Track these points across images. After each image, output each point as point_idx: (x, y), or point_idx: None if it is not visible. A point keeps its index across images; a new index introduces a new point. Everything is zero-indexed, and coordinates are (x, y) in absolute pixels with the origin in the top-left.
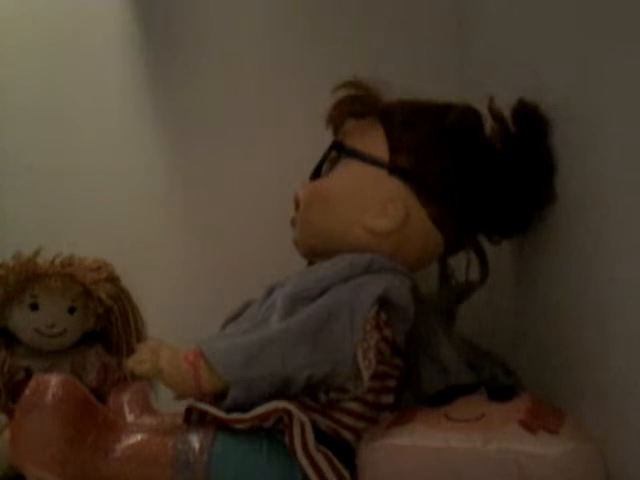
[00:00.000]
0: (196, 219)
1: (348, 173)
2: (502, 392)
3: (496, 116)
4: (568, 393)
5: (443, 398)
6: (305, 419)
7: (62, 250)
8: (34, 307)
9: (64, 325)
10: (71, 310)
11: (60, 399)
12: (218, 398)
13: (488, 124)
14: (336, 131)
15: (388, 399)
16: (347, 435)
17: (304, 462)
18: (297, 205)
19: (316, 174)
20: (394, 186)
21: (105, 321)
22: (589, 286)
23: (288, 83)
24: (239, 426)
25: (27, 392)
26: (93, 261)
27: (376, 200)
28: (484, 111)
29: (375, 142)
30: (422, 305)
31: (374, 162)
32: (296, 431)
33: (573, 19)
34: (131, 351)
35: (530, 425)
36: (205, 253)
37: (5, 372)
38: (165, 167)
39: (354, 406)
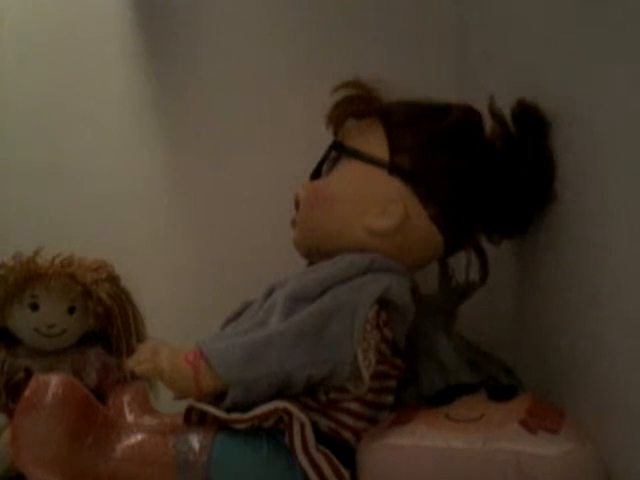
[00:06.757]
0: (196, 219)
1: (348, 173)
2: (502, 392)
3: (496, 116)
4: (568, 393)
5: (443, 398)
6: (305, 419)
7: (62, 250)
8: (34, 307)
9: (64, 325)
10: (71, 310)
11: (60, 399)
12: (218, 398)
13: (488, 124)
14: (336, 131)
15: (388, 399)
16: (347, 435)
17: (304, 462)
18: (297, 205)
19: (316, 174)
20: (394, 186)
21: (105, 321)
22: (589, 286)
23: (288, 83)
24: (239, 426)
25: (27, 392)
26: (93, 261)
27: (376, 200)
28: (484, 111)
29: (375, 142)
30: (422, 305)
31: (374, 162)
32: (296, 431)
33: (573, 19)
34: (131, 351)
35: (530, 425)
36: (205, 253)
37: (5, 372)
38: (165, 167)
39: (354, 406)
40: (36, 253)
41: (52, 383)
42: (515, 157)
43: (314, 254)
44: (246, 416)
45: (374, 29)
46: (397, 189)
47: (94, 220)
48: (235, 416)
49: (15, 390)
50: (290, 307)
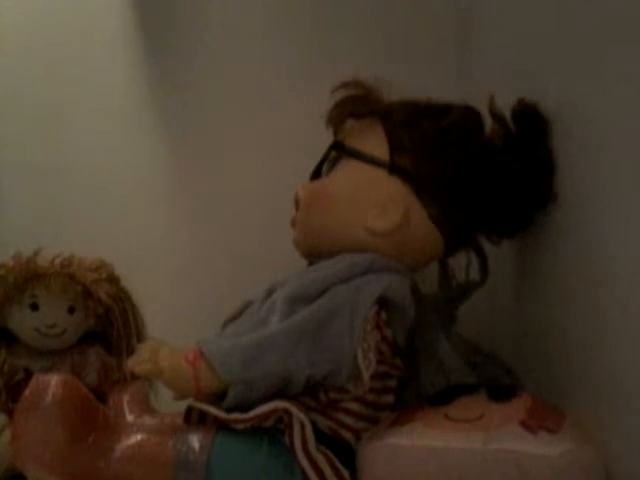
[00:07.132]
0: (196, 219)
1: (348, 173)
2: (502, 392)
3: (496, 116)
4: (568, 393)
5: (443, 398)
6: (305, 419)
7: (62, 250)
8: (34, 307)
9: (64, 325)
10: (71, 310)
11: (60, 399)
12: (218, 398)
13: (488, 124)
14: (336, 131)
15: (388, 399)
16: (347, 435)
17: (304, 462)
18: (297, 205)
19: (316, 174)
20: (394, 186)
21: (105, 321)
22: (589, 286)
23: (288, 83)
24: (239, 426)
25: (27, 392)
26: (93, 261)
27: (376, 200)
28: (484, 111)
29: (375, 142)
30: (422, 305)
31: (374, 162)
32: (296, 431)
33: (573, 19)
34: (131, 351)
35: (530, 425)
36: (205, 253)
37: (5, 372)
38: (165, 167)
39: (354, 406)
40: (36, 253)
41: (52, 383)
42: (515, 157)
43: (314, 254)
44: (246, 416)
45: (374, 29)
46: (397, 189)
47: (94, 220)
48: (235, 416)
49: (15, 390)
50: (290, 307)
